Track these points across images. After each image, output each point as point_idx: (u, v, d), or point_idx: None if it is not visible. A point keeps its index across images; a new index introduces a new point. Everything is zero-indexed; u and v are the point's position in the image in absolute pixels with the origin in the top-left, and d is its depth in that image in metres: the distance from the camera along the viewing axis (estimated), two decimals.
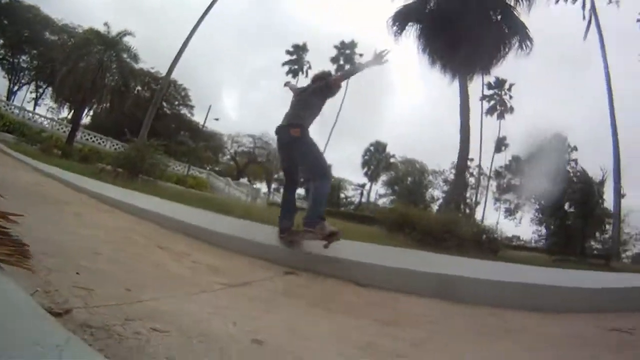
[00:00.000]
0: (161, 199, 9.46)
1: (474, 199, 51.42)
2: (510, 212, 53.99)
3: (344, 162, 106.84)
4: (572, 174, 21.74)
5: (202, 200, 12.32)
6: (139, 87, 44.97)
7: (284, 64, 51.70)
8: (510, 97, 49.47)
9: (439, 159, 62.00)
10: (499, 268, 6.66)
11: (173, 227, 6.04)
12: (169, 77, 34.09)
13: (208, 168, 52.32)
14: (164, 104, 48.85)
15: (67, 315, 1.91)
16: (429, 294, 3.93)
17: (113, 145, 38.75)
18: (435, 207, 45.92)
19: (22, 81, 47.28)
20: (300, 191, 7.83)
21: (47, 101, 47.61)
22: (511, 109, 49.12)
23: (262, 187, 59.98)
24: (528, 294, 4.33)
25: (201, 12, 29.81)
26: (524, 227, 50.03)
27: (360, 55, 49.21)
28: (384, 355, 2.31)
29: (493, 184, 55.73)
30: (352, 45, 49.23)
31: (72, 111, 36.76)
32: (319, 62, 58.82)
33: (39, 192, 7.33)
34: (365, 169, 59.49)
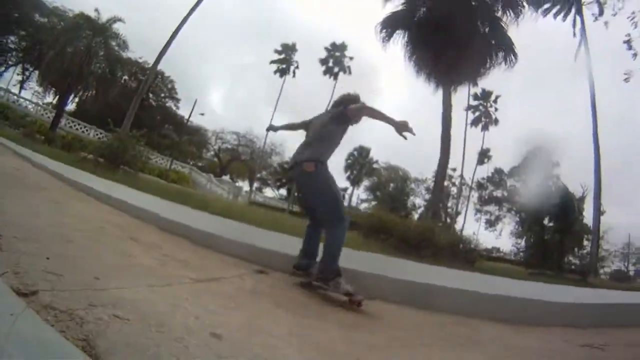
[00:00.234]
0: (140, 191, 9.46)
1: (455, 208, 51.78)
2: (490, 224, 54.70)
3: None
4: (553, 189, 22.04)
5: (182, 195, 12.34)
6: (125, 77, 44.29)
7: (272, 62, 51.51)
8: (496, 109, 49.86)
9: (422, 167, 62.34)
10: (473, 278, 6.75)
11: (149, 220, 6.09)
12: (156, 68, 33.88)
13: (191, 163, 52.02)
14: (150, 95, 48.54)
15: (33, 297, 1.96)
16: (398, 300, 4.02)
17: (97, 134, 38.41)
18: (416, 215, 46.30)
19: (9, 62, 46.56)
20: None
21: (33, 84, 46.94)
22: (496, 121, 49.51)
23: (245, 185, 59.96)
24: (501, 305, 4.41)
25: (192, 3, 29.51)
26: (504, 239, 50.80)
27: (351, 58, 49.24)
28: (341, 357, 2.37)
29: (475, 194, 56.17)
30: (343, 47, 49.07)
31: (57, 97, 36.26)
32: (308, 63, 58.78)
33: (17, 176, 7.32)
34: (348, 173, 59.53)
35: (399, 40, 23.24)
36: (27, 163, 10.40)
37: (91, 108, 40.20)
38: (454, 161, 46.11)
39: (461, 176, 51.18)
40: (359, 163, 59.04)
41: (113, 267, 3.12)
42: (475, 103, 48.16)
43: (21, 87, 47.40)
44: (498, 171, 56.87)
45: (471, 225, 57.89)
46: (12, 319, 1.47)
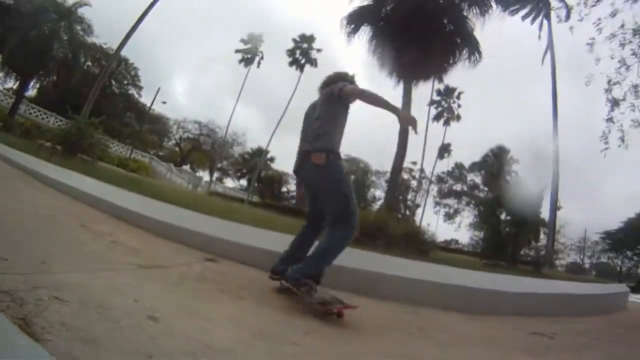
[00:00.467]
0: (97, 180, 9.43)
1: (414, 201, 52.43)
2: (449, 217, 55.61)
3: (288, 156, 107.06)
4: (511, 184, 22.58)
5: (139, 184, 12.28)
6: (89, 62, 43.33)
7: (237, 51, 50.69)
8: (459, 105, 50.35)
9: (383, 159, 62.74)
10: (426, 269, 6.86)
11: (103, 209, 6.13)
12: (119, 54, 33.09)
13: (152, 152, 51.19)
14: (113, 82, 47.53)
15: None
16: (348, 288, 4.02)
17: (57, 121, 37.49)
18: (376, 206, 46.68)
19: None
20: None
21: None
22: (458, 117, 49.86)
23: (206, 175, 59.40)
24: (452, 295, 4.59)
25: None
26: (463, 232, 51.81)
27: (319, 50, 48.90)
28: (277, 342, 2.42)
29: (434, 188, 56.96)
30: (311, 39, 48.62)
31: (18, 82, 35.12)
32: (276, 54, 58.23)
33: None
34: None
35: (364, 34, 23.32)
36: None
37: (52, 94, 39.24)
38: (415, 155, 46.70)
39: (421, 169, 51.80)
40: None
41: (61, 252, 3.20)
42: (438, 98, 48.58)
43: None
44: (458, 166, 57.86)
45: (430, 218, 58.94)
46: None
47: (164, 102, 49.69)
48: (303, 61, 48.07)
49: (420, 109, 40.95)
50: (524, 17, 29.06)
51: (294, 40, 48.95)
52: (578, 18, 16.73)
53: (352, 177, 53.21)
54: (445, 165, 56.19)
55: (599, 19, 14.75)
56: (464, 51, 22.85)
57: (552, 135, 25.61)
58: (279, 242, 5.30)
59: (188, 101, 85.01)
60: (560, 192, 23.79)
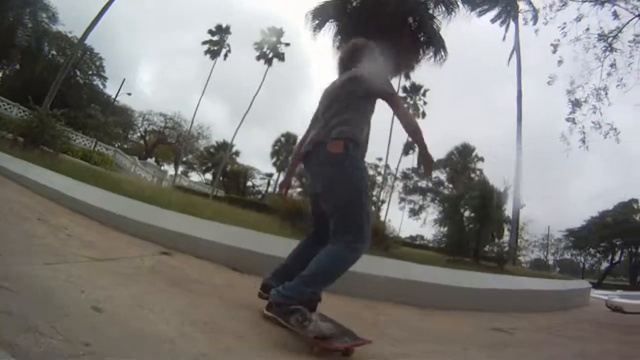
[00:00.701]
0: (57, 173, 9.37)
1: (379, 197, 52.69)
2: (414, 213, 56.04)
3: (253, 150, 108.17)
4: (475, 182, 22.98)
5: (100, 178, 12.19)
6: (53, 51, 42.47)
7: (204, 43, 49.92)
8: (425, 102, 50.81)
9: None
10: (385, 264, 6.96)
11: (62, 202, 6.16)
12: (82, 43, 32.45)
13: (117, 145, 50.29)
14: (77, 72, 46.55)
15: None
16: None
17: (20, 112, 36.67)
18: None
19: None
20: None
21: None
22: (423, 114, 50.19)
23: (170, 169, 58.73)
24: (411, 290, 4.70)
25: None
26: (427, 228, 52.37)
27: (287, 44, 48.69)
28: (222, 334, 2.43)
29: (399, 184, 57.38)
30: (280, 32, 48.42)
31: None
32: (243, 46, 57.49)
33: None
34: (275, 159, 58.93)
35: (330, 30, 23.32)
36: None
37: (16, 84, 38.33)
38: (380, 151, 46.92)
39: (386, 166, 52.14)
40: (286, 150, 58.64)
41: (14, 245, 3.27)
42: (404, 95, 48.83)
43: None
44: None
45: (396, 214, 59.50)
46: None
47: (129, 94, 48.76)
48: (271, 55, 47.81)
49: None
50: (493, 20, 29.70)
51: (263, 32, 48.61)
52: (543, 21, 17.14)
53: None
54: (411, 161, 56.65)
55: (564, 23, 15.16)
56: (430, 49, 23.10)
57: (517, 135, 26.32)
58: (238, 236, 5.42)
59: (154, 94, 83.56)
60: (524, 190, 24.49)
